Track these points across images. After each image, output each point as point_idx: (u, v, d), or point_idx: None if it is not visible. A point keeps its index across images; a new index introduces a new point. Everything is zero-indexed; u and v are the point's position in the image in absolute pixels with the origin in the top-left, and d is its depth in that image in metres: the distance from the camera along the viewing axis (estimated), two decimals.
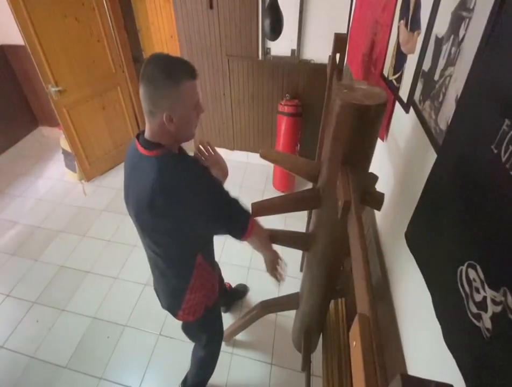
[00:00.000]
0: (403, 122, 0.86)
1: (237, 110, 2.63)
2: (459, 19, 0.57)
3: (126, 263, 2.13)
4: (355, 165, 0.72)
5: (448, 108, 0.58)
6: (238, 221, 0.92)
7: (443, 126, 0.60)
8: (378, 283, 0.95)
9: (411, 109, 0.79)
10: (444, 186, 0.57)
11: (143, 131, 0.84)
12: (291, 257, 2.09)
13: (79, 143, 2.61)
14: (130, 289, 1.97)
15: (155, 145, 0.81)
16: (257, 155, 3.21)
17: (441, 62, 0.62)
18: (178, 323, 1.75)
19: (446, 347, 0.51)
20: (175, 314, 1.12)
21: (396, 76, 0.92)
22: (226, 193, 0.90)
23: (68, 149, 2.61)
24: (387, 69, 1.00)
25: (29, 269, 2.10)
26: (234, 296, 1.89)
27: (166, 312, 1.84)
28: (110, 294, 1.95)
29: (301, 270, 2.06)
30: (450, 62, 0.58)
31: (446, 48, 0.61)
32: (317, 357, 1.40)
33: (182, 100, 0.76)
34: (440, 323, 0.54)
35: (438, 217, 0.59)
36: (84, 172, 2.72)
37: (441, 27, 0.64)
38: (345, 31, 1.96)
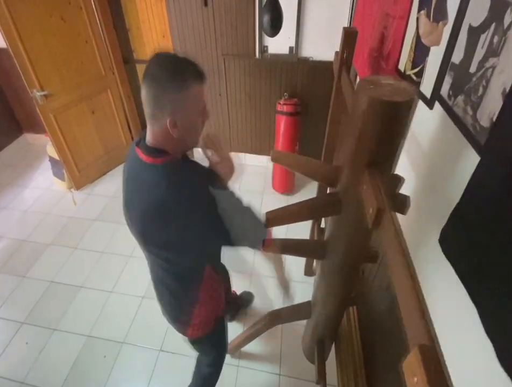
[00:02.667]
0: (425, 118, 0.81)
1: (234, 111, 2.57)
2: (502, 5, 0.52)
3: (122, 275, 2.03)
4: (381, 167, 0.66)
5: (492, 103, 0.53)
6: (253, 233, 0.85)
7: (485, 122, 0.55)
8: None
9: (437, 105, 0.74)
10: (494, 190, 0.51)
11: (144, 137, 0.77)
12: (294, 261, 2.03)
13: (68, 150, 2.49)
14: (127, 303, 1.87)
15: (160, 151, 0.74)
16: (255, 157, 3.15)
17: (479, 53, 0.57)
18: (180, 338, 1.68)
19: (500, 368, 0.45)
20: (184, 332, 1.05)
21: (416, 70, 0.88)
22: (238, 202, 0.81)
23: (56, 156, 2.49)
24: (404, 63, 0.96)
25: (16, 287, 1.98)
26: (239, 304, 1.83)
27: (166, 325, 1.76)
28: (105, 310, 1.84)
29: (305, 274, 2.01)
30: (493, 52, 0.53)
31: (485, 37, 0.56)
32: (329, 365, 1.33)
33: (188, 105, 0.70)
34: (492, 342, 0.48)
35: (485, 224, 0.53)
36: (74, 180, 2.61)
37: (476, 15, 0.59)
38: (346, 26, 1.92)
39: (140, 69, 2.80)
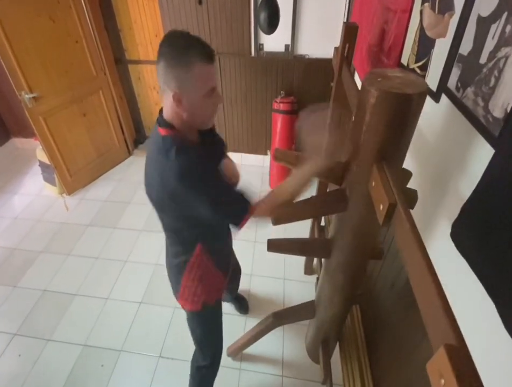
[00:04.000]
0: (430, 112, 0.80)
1: (230, 111, 2.55)
2: None
3: (118, 280, 1.97)
4: (390, 162, 0.65)
5: (506, 93, 0.52)
6: (234, 215, 0.85)
7: (498, 113, 0.54)
8: (408, 285, 0.89)
9: (443, 98, 0.73)
10: (511, 181, 0.49)
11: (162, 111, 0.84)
12: (293, 261, 2.01)
13: (59, 154, 2.42)
14: (124, 309, 1.82)
15: (167, 124, 0.80)
16: (252, 156, 3.12)
17: (490, 43, 0.56)
18: (180, 343, 1.66)
19: None
20: (175, 295, 1.12)
21: (420, 63, 0.87)
22: (226, 188, 0.84)
23: (46, 160, 2.42)
24: (407, 57, 0.96)
25: (7, 297, 1.90)
26: (239, 303, 1.83)
27: (165, 331, 1.73)
28: (102, 317, 1.78)
29: (305, 273, 2.00)
30: (505, 41, 0.52)
31: (496, 27, 0.55)
32: (333, 364, 1.32)
33: (192, 84, 0.73)
34: None
35: (501, 217, 0.52)
36: (65, 185, 2.53)
37: (485, 4, 0.58)
38: (341, 23, 1.92)
39: (132, 69, 2.74)
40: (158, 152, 0.78)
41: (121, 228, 2.33)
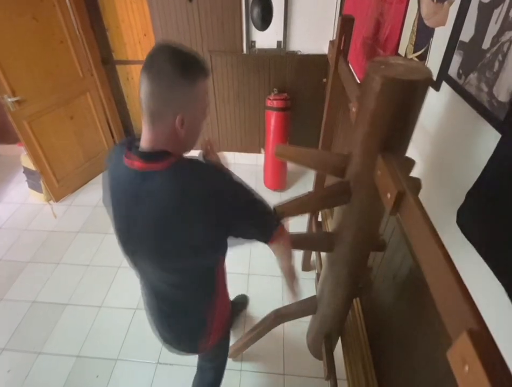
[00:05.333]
0: (431, 101, 0.80)
1: (222, 109, 2.52)
2: None
3: (111, 287, 1.90)
4: (395, 151, 0.65)
5: (511, 77, 0.52)
6: (266, 223, 0.81)
7: (503, 97, 0.53)
8: (411, 276, 0.88)
9: (444, 86, 0.73)
10: None
11: (134, 144, 0.69)
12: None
13: (45, 159, 2.33)
14: (118, 317, 1.75)
15: (161, 154, 0.66)
16: (245, 155, 3.09)
17: (493, 28, 0.56)
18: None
19: None
20: (204, 346, 0.97)
21: (419, 53, 0.87)
22: (253, 194, 0.76)
23: (31, 167, 2.33)
24: (404, 48, 0.96)
25: None
26: (234, 309, 1.75)
27: None
28: (95, 326, 1.71)
29: (303, 269, 1.98)
30: (509, 25, 0.52)
31: (499, 11, 0.55)
32: (335, 359, 1.29)
33: (196, 102, 0.66)
34: None
35: (511, 201, 0.51)
36: (52, 191, 2.44)
37: None
38: (333, 18, 1.93)
39: (121, 70, 2.69)
40: (173, 190, 0.65)
41: (113, 233, 2.22)
